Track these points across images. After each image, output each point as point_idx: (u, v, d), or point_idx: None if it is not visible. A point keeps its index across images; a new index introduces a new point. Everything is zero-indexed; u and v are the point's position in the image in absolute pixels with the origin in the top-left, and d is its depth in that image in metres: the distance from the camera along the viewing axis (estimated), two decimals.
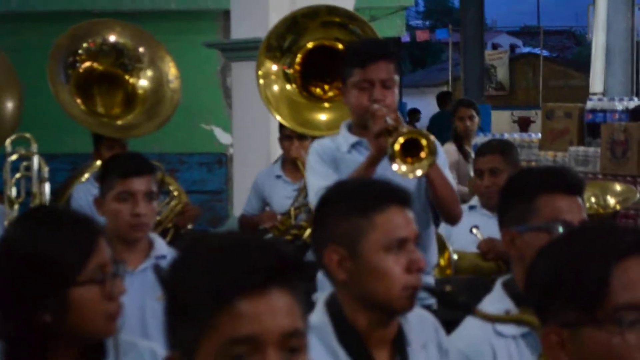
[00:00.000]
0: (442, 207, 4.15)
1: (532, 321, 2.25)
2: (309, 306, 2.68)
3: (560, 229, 2.84)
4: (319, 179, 4.02)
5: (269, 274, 1.64)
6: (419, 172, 3.89)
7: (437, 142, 3.95)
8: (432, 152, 3.87)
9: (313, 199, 4.05)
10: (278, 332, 1.64)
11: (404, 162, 3.87)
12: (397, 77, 4.09)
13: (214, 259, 1.65)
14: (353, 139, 4.16)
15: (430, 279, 4.09)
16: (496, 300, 2.84)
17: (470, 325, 2.81)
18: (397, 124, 3.91)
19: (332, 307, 2.63)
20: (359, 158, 4.08)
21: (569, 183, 2.94)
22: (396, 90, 4.10)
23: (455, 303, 2.55)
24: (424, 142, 3.87)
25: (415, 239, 2.62)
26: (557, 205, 2.88)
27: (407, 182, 4.02)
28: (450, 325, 2.94)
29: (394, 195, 2.63)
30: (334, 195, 2.67)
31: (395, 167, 3.86)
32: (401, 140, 3.84)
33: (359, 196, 2.62)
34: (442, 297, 2.69)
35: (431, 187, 4.05)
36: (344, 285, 2.61)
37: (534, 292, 1.93)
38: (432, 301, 3.75)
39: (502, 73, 31.45)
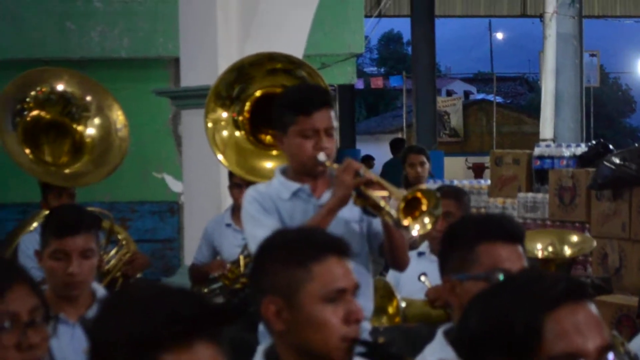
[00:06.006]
0: (393, 255, 4.09)
1: None
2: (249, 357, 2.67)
3: (501, 278, 2.84)
4: (262, 229, 3.80)
5: (192, 325, 1.61)
6: (429, 226, 3.83)
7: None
8: (435, 204, 3.82)
9: (255, 250, 3.97)
10: None
11: (414, 220, 3.80)
12: (337, 124, 4.03)
13: (135, 310, 1.62)
14: (294, 185, 4.05)
15: (367, 326, 4.01)
16: (437, 349, 2.83)
17: None
18: (370, 177, 3.86)
19: (271, 357, 2.61)
20: (301, 205, 4.02)
21: (508, 231, 2.94)
22: (336, 137, 4.05)
23: (387, 354, 2.54)
24: (424, 200, 3.81)
25: (354, 290, 2.60)
26: (497, 253, 2.87)
27: (351, 230, 4.02)
28: None
29: (333, 245, 2.61)
30: (272, 245, 2.65)
31: (414, 232, 3.80)
32: (405, 200, 3.77)
33: (298, 246, 2.60)
34: (374, 349, 2.67)
35: (388, 236, 3.97)
36: (282, 336, 2.58)
37: (465, 342, 1.92)
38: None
39: (455, 119, 31.70)
